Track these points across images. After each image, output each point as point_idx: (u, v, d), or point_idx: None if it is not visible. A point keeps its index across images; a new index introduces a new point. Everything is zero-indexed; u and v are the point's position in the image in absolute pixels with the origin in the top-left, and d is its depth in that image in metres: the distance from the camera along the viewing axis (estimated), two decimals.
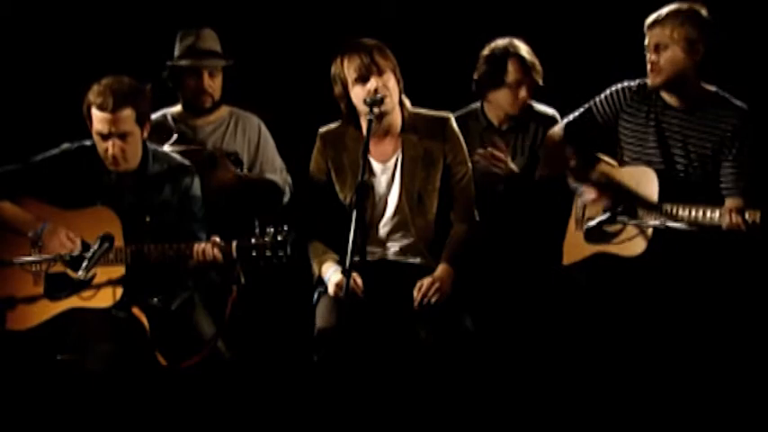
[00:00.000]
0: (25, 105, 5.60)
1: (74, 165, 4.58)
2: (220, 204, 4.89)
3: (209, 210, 4.73)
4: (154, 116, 5.05)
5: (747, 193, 4.47)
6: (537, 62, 5.02)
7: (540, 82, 5.03)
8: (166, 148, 4.93)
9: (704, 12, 4.51)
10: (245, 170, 5.11)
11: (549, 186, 4.81)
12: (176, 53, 5.14)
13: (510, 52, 5.01)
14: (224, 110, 5.20)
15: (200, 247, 4.41)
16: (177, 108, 5.19)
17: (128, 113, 4.45)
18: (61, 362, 4.42)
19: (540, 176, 4.91)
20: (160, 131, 5.02)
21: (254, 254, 4.38)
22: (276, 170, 5.13)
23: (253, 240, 4.39)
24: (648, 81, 4.56)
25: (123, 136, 4.46)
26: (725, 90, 4.57)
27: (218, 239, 4.42)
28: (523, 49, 5.02)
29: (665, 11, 4.52)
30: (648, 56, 4.53)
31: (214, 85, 5.11)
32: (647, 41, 4.53)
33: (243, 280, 4.59)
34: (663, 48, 4.49)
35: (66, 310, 4.48)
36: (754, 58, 5.29)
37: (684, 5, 4.51)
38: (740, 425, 4.53)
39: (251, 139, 5.16)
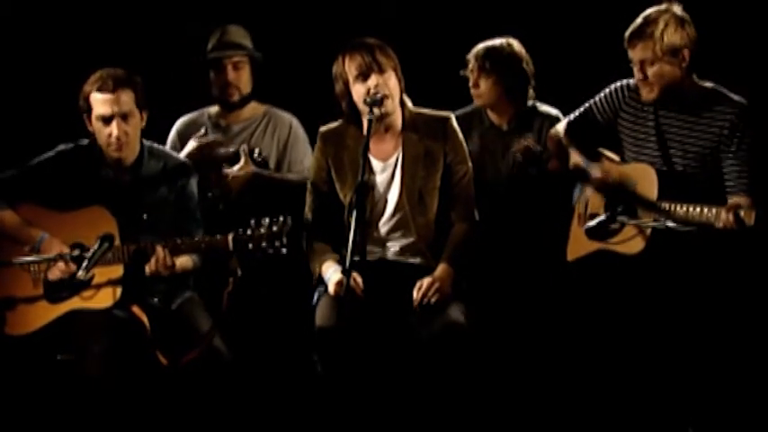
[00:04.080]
0: (21, 107, 5.59)
1: (70, 165, 4.59)
2: (238, 201, 4.95)
3: (227, 207, 4.79)
4: (192, 114, 5.21)
5: (751, 192, 4.42)
6: (495, 60, 5.02)
7: (499, 79, 5.03)
8: (192, 142, 4.98)
9: (678, 11, 4.44)
10: (272, 168, 5.14)
11: (554, 183, 4.81)
12: (206, 49, 5.19)
13: (472, 52, 5.07)
14: (259, 108, 5.24)
15: (150, 263, 4.42)
16: (215, 108, 5.24)
17: (128, 95, 4.50)
18: (61, 362, 4.42)
19: (549, 170, 4.91)
20: (196, 127, 5.12)
21: (250, 246, 4.37)
22: (303, 170, 5.10)
23: (249, 232, 4.39)
24: (642, 95, 4.53)
25: (125, 117, 4.49)
26: (723, 84, 4.53)
27: (161, 245, 4.42)
28: (490, 47, 5.04)
29: (640, 24, 4.44)
30: (635, 71, 4.49)
31: (239, 78, 5.14)
32: (630, 56, 4.48)
33: (239, 272, 4.59)
34: (648, 63, 4.44)
35: (67, 312, 4.47)
36: (754, 52, 5.28)
37: (658, 12, 4.44)
38: (739, 423, 4.53)
39: (280, 138, 5.18)
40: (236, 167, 5.01)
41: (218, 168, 5.00)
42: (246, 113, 5.21)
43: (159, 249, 4.40)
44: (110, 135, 4.49)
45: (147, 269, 4.41)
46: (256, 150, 5.12)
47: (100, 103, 4.48)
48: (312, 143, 4.77)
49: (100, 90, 4.48)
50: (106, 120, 4.49)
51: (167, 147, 5.15)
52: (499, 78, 5.03)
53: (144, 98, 4.55)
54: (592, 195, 4.69)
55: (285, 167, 5.16)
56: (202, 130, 5.08)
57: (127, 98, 4.49)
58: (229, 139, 5.15)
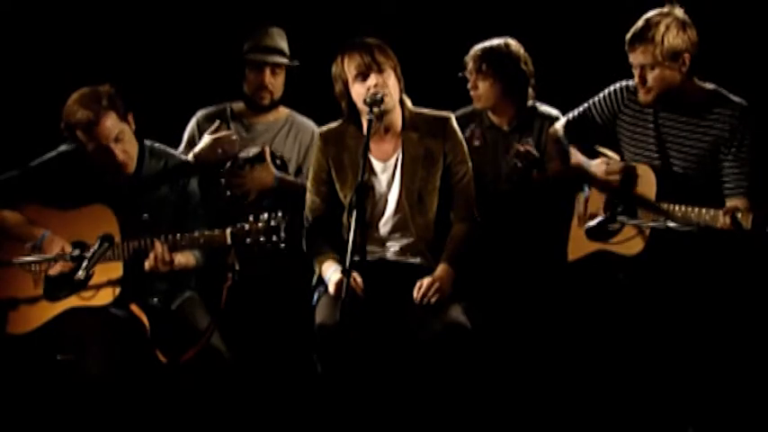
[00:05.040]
0: (22, 108, 5.59)
1: (72, 165, 4.59)
2: (257, 203, 4.97)
3: (245, 206, 4.81)
4: (216, 107, 5.22)
5: (750, 194, 4.42)
6: (492, 62, 5.00)
7: (497, 80, 5.01)
8: (206, 137, 5.00)
9: (680, 14, 4.43)
10: (292, 174, 5.15)
11: (558, 183, 4.81)
12: (245, 48, 5.20)
13: (469, 53, 5.07)
14: (283, 112, 5.26)
15: (149, 259, 4.42)
16: (240, 104, 5.26)
17: (110, 117, 4.48)
18: (61, 362, 4.42)
19: (551, 173, 4.91)
20: (217, 120, 5.12)
21: (248, 240, 4.38)
22: None
23: (246, 227, 4.39)
24: (640, 98, 4.52)
25: (118, 139, 4.49)
26: (724, 86, 4.52)
27: (160, 241, 4.43)
28: (486, 49, 5.04)
29: (641, 27, 4.42)
30: (635, 74, 4.47)
31: (275, 82, 5.17)
32: (630, 59, 4.47)
33: (237, 267, 4.59)
34: (648, 68, 4.42)
35: (66, 311, 4.47)
36: (754, 54, 5.28)
37: (660, 15, 4.42)
38: (739, 423, 4.53)
39: (302, 144, 5.20)
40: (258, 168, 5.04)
41: (237, 168, 5.01)
42: (271, 116, 5.23)
43: (158, 245, 4.41)
44: (112, 161, 4.50)
45: (147, 265, 4.42)
46: (278, 153, 5.13)
47: (88, 139, 4.47)
48: None
49: (84, 128, 4.45)
50: (102, 151, 4.48)
51: (185, 137, 5.19)
52: (497, 79, 5.03)
53: (122, 104, 4.53)
54: (592, 195, 4.69)
55: (304, 173, 5.17)
56: (216, 124, 5.08)
57: (111, 121, 4.47)
58: (251, 138, 5.17)
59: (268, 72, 5.15)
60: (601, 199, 4.67)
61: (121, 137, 4.50)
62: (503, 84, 5.03)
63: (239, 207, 4.96)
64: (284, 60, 5.18)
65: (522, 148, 4.99)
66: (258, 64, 5.14)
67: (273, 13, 5.42)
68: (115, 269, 4.47)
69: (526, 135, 5.09)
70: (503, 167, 5.09)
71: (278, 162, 5.11)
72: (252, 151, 5.09)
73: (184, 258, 4.55)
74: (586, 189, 4.74)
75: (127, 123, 4.54)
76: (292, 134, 5.21)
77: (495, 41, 5.07)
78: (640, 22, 4.45)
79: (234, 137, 5.04)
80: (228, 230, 4.41)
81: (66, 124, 4.50)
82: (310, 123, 5.24)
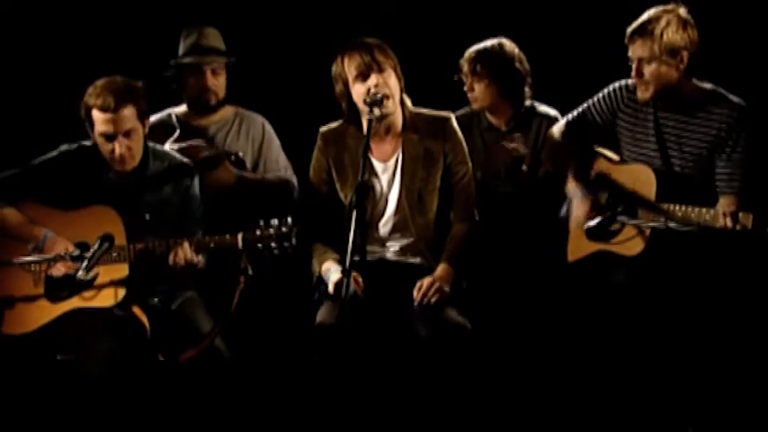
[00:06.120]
0: (23, 107, 5.59)
1: (73, 165, 4.59)
2: (220, 204, 4.89)
3: (209, 209, 4.74)
4: (158, 115, 5.11)
5: (742, 194, 4.43)
6: (486, 63, 5.01)
7: (492, 81, 5.02)
8: (168, 145, 4.95)
9: (683, 12, 4.45)
10: (249, 170, 5.11)
11: (553, 183, 4.81)
12: (180, 51, 5.14)
13: (464, 56, 5.07)
14: (228, 110, 5.20)
15: (174, 253, 4.43)
16: (182, 108, 5.20)
17: (129, 111, 4.46)
18: (61, 362, 4.42)
19: (544, 172, 4.92)
20: (163, 130, 5.05)
21: (259, 246, 4.39)
22: (280, 169, 5.13)
23: (258, 232, 4.40)
24: (638, 95, 4.53)
25: (128, 134, 4.48)
26: (723, 86, 4.52)
27: (187, 242, 4.44)
28: (480, 50, 5.04)
29: (642, 21, 4.45)
30: (633, 69, 4.48)
31: (217, 82, 5.12)
32: (629, 52, 4.48)
33: (250, 271, 4.59)
34: (646, 62, 4.44)
35: (67, 312, 4.47)
36: (754, 54, 5.28)
37: (663, 11, 4.44)
38: (739, 423, 4.54)
39: (254, 139, 5.16)
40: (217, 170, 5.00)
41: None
42: (217, 116, 5.18)
43: (185, 244, 4.42)
44: (112, 151, 4.49)
45: (171, 259, 4.42)
46: (233, 152, 5.09)
47: (101, 121, 4.46)
48: (313, 142, 4.76)
49: (101, 109, 4.44)
50: (108, 137, 4.48)
51: None
52: (492, 81, 5.03)
53: (146, 106, 4.53)
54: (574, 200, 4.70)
55: (261, 168, 5.15)
56: (177, 133, 5.05)
57: (129, 114, 4.46)
58: (203, 141, 5.11)
59: (209, 73, 5.09)
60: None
61: (131, 134, 4.48)
62: (498, 84, 5.04)
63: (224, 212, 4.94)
64: (222, 59, 5.12)
65: (509, 145, 5.00)
66: (197, 67, 5.08)
67: (273, 14, 5.43)
68: (121, 271, 4.47)
69: (523, 134, 5.10)
70: (501, 168, 5.10)
71: (233, 159, 5.08)
72: (204, 154, 5.03)
73: (202, 262, 4.55)
74: (566, 205, 4.76)
75: (142, 125, 4.53)
76: (243, 130, 5.17)
77: (489, 42, 5.07)
78: (643, 16, 4.47)
79: (198, 145, 5.00)
80: (240, 235, 4.42)
81: (85, 104, 4.48)
82: (258, 117, 5.20)
